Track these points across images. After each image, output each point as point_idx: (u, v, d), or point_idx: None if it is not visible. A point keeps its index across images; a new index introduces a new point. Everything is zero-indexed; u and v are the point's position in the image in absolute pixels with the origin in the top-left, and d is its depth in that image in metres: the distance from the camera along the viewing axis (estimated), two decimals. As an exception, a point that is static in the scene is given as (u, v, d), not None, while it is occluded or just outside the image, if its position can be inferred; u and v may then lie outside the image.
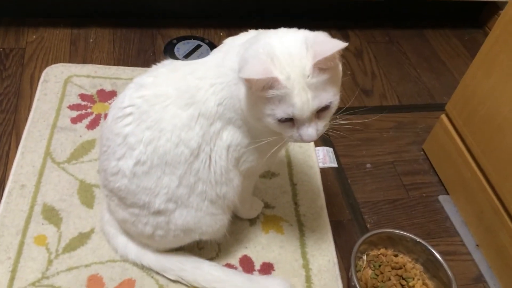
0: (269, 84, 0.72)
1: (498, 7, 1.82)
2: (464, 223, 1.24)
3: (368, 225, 1.21)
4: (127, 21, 1.66)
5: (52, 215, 1.10)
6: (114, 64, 1.51)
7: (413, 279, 1.07)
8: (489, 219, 1.14)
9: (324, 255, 1.11)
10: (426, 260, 1.09)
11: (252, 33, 0.85)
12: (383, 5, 1.82)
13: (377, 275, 1.08)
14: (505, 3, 1.09)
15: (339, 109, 0.81)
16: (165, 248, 1.02)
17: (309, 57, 0.73)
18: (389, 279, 1.07)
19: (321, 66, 0.73)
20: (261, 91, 0.73)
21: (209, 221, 0.94)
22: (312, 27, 0.80)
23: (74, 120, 1.30)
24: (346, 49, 0.72)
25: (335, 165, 1.33)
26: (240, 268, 1.07)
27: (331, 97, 0.76)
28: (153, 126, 0.84)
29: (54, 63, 1.46)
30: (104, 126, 0.93)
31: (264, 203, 1.19)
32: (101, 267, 1.03)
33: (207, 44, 1.63)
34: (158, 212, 0.90)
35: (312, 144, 1.34)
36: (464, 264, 1.17)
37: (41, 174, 1.17)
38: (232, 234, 1.09)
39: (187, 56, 1.57)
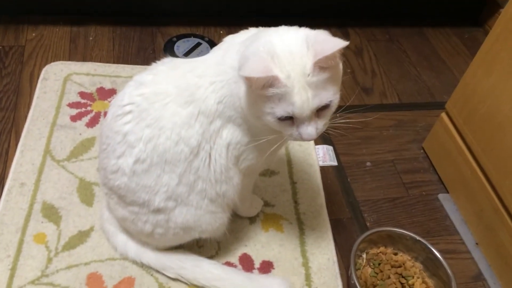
0: (269, 82, 0.72)
1: (498, 6, 1.82)
2: (463, 222, 1.24)
3: (368, 224, 1.21)
4: (127, 19, 1.66)
5: (51, 213, 1.10)
6: (113, 62, 1.50)
7: (413, 277, 1.07)
8: (489, 217, 1.14)
9: (323, 254, 1.11)
10: (426, 258, 1.09)
11: (252, 31, 0.85)
12: (383, 3, 1.82)
13: (377, 274, 1.08)
14: (506, 1, 1.09)
15: (339, 107, 0.81)
16: (164, 246, 1.02)
17: (309, 55, 0.73)
18: (389, 277, 1.07)
19: (321, 65, 0.73)
20: (261, 89, 0.73)
21: (209, 219, 0.94)
22: (312, 25, 0.80)
23: (74, 118, 1.30)
24: (346, 47, 0.72)
25: (335, 163, 1.33)
26: (239, 266, 1.07)
27: (331, 96, 0.76)
28: (152, 124, 0.84)
29: (54, 61, 1.46)
30: (103, 124, 0.93)
31: (264, 201, 1.19)
32: (100, 265, 1.03)
33: (207, 42, 1.62)
34: (158, 210, 0.89)
35: (312, 142, 1.34)
36: (464, 262, 1.17)
37: (40, 172, 1.16)
38: (232, 232, 1.09)
39: (187, 54, 1.57)
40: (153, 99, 0.84)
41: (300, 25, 0.80)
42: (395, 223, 1.22)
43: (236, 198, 0.96)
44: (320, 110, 0.77)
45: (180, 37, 1.63)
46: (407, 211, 1.25)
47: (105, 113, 1.19)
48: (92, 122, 1.30)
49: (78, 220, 1.10)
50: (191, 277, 1.00)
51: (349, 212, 1.23)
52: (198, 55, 1.54)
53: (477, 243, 1.20)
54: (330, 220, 1.18)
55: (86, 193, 1.15)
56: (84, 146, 1.24)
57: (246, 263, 1.08)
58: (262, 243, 1.12)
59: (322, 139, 1.38)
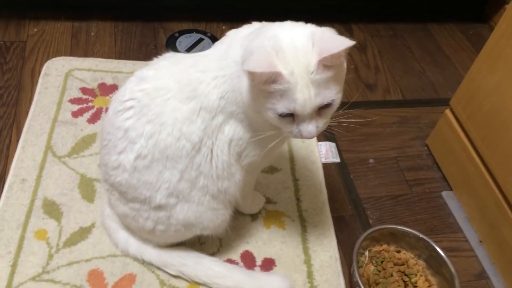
0: (272, 78, 0.71)
1: (503, 1, 1.80)
2: (467, 219, 1.23)
3: (371, 221, 1.20)
4: (129, 15, 1.65)
5: (52, 210, 1.09)
6: (115, 58, 1.50)
7: (416, 275, 1.07)
8: (493, 215, 1.14)
9: (326, 251, 1.11)
10: (429, 256, 1.08)
11: (255, 25, 0.84)
12: (387, -2, 1.81)
13: (379, 271, 1.07)
14: (511, -3, 1.08)
15: (342, 104, 0.80)
16: (166, 243, 1.01)
17: (314, 53, 0.72)
18: (391, 275, 1.06)
19: (326, 63, 0.72)
20: (263, 84, 0.72)
21: (211, 216, 0.94)
22: (316, 21, 0.79)
23: (75, 114, 1.30)
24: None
25: (337, 160, 1.33)
26: (241, 264, 1.06)
27: (333, 95, 0.75)
28: (154, 120, 0.83)
29: (55, 56, 1.46)
30: (105, 120, 0.92)
31: (266, 198, 1.18)
32: (101, 262, 1.02)
33: (209, 37, 1.62)
34: (159, 207, 0.89)
35: (314, 139, 1.33)
36: (467, 260, 1.16)
37: (41, 168, 1.16)
38: (234, 229, 1.08)
39: (189, 49, 1.56)
40: (155, 95, 0.84)
41: (303, 21, 0.79)
42: (398, 220, 1.21)
43: (238, 194, 0.95)
44: (321, 109, 0.76)
45: (182, 32, 1.62)
46: (410, 208, 1.25)
47: (107, 109, 1.18)
48: (94, 118, 1.29)
49: (79, 216, 1.09)
50: (192, 274, 0.99)
51: (352, 209, 1.22)
52: (200, 50, 1.52)
53: (480, 241, 1.19)
54: (333, 217, 1.18)
55: (87, 189, 1.14)
56: (86, 142, 1.23)
57: (248, 260, 1.07)
58: (264, 240, 1.11)
59: (325, 136, 1.37)
